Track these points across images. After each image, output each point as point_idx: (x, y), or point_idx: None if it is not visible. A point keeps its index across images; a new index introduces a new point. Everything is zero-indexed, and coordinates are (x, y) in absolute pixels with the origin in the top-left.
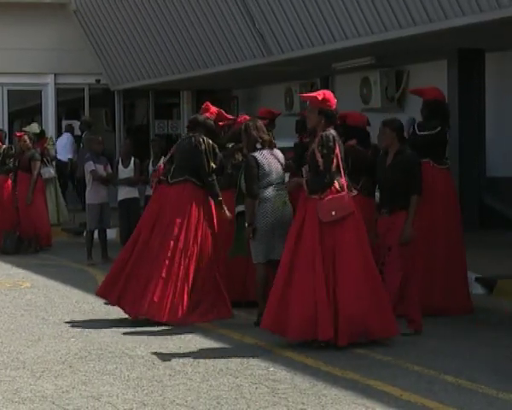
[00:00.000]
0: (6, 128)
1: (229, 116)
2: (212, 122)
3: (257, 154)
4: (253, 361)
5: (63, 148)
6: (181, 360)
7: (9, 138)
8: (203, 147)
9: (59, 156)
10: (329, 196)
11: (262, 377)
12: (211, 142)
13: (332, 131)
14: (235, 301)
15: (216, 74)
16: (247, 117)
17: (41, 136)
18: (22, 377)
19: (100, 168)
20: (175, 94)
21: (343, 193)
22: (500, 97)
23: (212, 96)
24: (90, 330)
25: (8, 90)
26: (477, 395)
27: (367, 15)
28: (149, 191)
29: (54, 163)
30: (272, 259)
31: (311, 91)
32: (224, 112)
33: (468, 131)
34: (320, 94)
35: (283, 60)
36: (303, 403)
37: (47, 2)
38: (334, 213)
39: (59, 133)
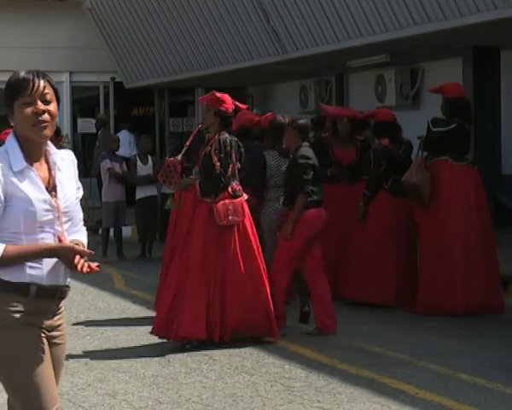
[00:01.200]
0: None
1: (242, 105)
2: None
3: (269, 153)
4: (269, 359)
5: (128, 145)
6: (196, 357)
7: None
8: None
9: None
10: (227, 201)
11: (277, 375)
12: (236, 141)
13: (227, 136)
14: None
15: (230, 72)
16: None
17: (56, 134)
18: None
19: (116, 166)
20: (190, 92)
21: (240, 198)
22: None
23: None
24: (105, 327)
25: None
26: (492, 393)
27: (381, 13)
28: (165, 189)
29: None
30: None
31: (325, 89)
32: (237, 103)
33: (483, 129)
34: (217, 95)
35: (298, 58)
36: (318, 401)
37: (62, 0)
38: (230, 217)
39: (74, 131)
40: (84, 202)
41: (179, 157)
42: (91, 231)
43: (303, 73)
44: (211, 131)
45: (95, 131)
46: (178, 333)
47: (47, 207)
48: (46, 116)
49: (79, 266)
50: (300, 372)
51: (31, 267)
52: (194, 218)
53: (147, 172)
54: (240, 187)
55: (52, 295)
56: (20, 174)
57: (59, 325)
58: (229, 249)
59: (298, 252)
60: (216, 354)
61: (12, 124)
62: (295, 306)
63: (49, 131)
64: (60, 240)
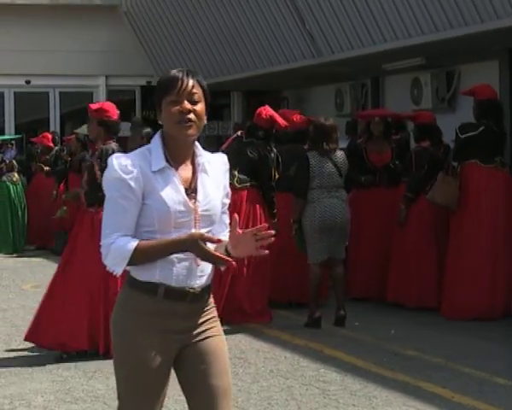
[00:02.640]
0: (58, 130)
1: (283, 122)
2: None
3: (311, 154)
4: (304, 362)
5: None
6: (231, 360)
7: (62, 140)
8: (272, 156)
9: None
10: None
11: (312, 379)
12: (275, 151)
13: (113, 145)
14: (282, 302)
15: (266, 75)
16: (302, 116)
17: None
18: (74, 378)
19: None
20: (225, 95)
21: None
22: None
23: (262, 97)
24: None
25: (60, 92)
26: None
27: (417, 16)
28: None
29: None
30: (331, 257)
31: (361, 93)
32: (277, 117)
33: None
34: (96, 105)
35: (333, 61)
36: (354, 405)
37: (98, 4)
38: None
39: None
40: None
41: None
42: None
43: (338, 76)
44: (98, 141)
45: (129, 134)
46: (57, 341)
47: (182, 208)
48: (192, 116)
49: (216, 255)
50: (335, 376)
51: (160, 267)
52: (80, 228)
53: None
54: None
55: (182, 297)
56: (159, 174)
57: (205, 321)
58: None
59: None
60: (251, 357)
61: (160, 123)
62: (329, 308)
63: (193, 131)
64: None
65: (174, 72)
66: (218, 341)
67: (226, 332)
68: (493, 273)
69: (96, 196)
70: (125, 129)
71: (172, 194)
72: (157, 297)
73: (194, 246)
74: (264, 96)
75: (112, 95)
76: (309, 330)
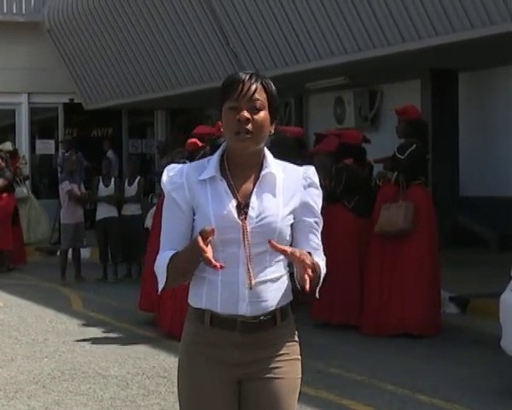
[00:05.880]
0: None
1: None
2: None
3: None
4: None
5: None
6: (155, 380)
7: None
8: None
9: None
10: None
11: None
12: None
13: None
14: None
15: (190, 94)
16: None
17: (14, 155)
18: None
19: (74, 187)
20: (149, 113)
21: None
22: (473, 117)
23: (186, 116)
24: (63, 350)
25: None
26: None
27: (341, 35)
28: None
29: (27, 183)
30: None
31: (285, 111)
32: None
33: (442, 151)
34: None
35: None
36: None
37: (20, 21)
38: None
39: (32, 152)
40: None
41: None
42: (49, 252)
43: None
44: None
45: (53, 152)
46: None
47: (227, 223)
48: (249, 126)
49: (204, 254)
50: None
51: (206, 292)
52: None
53: (109, 193)
54: None
55: (230, 326)
56: (210, 184)
57: (274, 357)
58: None
59: None
60: (174, 376)
61: (222, 130)
62: None
63: (248, 144)
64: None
65: (240, 74)
66: (283, 385)
67: (149, 352)
68: (418, 290)
69: None
70: (48, 147)
71: (217, 207)
72: (205, 325)
73: (194, 243)
74: (188, 114)
75: (34, 112)
76: None
